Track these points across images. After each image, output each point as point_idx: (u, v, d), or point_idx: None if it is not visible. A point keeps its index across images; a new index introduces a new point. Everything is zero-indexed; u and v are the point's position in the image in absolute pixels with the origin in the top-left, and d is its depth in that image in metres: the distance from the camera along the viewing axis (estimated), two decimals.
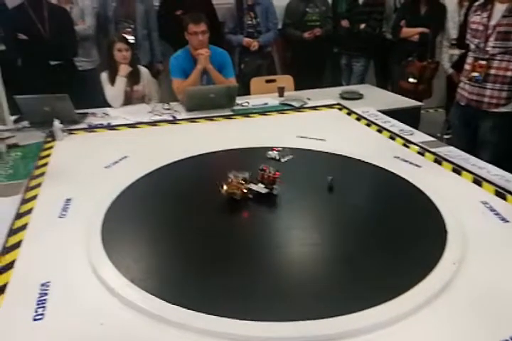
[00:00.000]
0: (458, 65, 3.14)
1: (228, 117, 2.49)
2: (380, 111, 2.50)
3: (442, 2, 3.53)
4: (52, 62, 3.07)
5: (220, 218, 1.41)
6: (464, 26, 2.76)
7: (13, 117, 2.32)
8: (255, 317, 0.95)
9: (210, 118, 2.46)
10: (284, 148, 1.87)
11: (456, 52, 3.40)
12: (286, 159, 1.81)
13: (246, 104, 2.68)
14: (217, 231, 1.33)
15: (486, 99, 2.30)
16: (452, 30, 3.43)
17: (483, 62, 2.27)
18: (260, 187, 1.47)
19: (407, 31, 3.50)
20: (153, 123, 2.39)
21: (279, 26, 3.84)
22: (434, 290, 1.04)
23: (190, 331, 0.93)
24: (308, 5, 3.78)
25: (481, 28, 2.27)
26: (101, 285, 1.07)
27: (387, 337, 0.93)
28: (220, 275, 1.12)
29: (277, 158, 1.81)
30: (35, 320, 0.97)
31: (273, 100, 2.78)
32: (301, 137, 2.08)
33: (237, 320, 0.94)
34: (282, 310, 0.98)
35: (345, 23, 3.74)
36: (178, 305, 0.98)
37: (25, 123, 2.36)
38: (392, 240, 1.28)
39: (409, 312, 0.98)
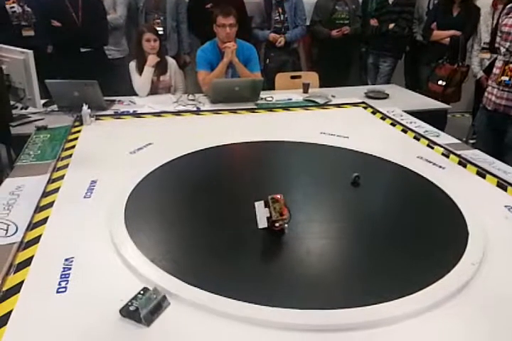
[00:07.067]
0: (489, 69, 3.09)
1: (252, 111, 2.50)
2: (406, 111, 2.47)
3: (476, 4, 3.46)
4: (83, 49, 3.14)
5: (240, 205, 1.42)
6: (496, 29, 2.71)
7: (43, 101, 2.38)
8: (271, 303, 0.96)
9: (234, 111, 2.48)
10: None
11: (487, 56, 3.34)
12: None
13: (270, 98, 2.69)
14: (237, 218, 1.35)
15: None
16: (484, 33, 3.37)
17: None
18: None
19: (438, 34, 3.46)
20: (178, 113, 2.42)
21: (307, 23, 3.83)
22: (452, 288, 1.04)
23: (206, 312, 0.95)
24: (337, 3, 3.76)
25: None
26: (122, 264, 1.10)
27: (402, 331, 0.93)
28: (238, 261, 1.14)
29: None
30: (58, 292, 1.01)
31: (297, 96, 2.78)
32: (325, 134, 2.08)
33: (254, 305, 0.95)
34: (297, 298, 0.99)
35: (374, 22, 3.71)
36: (195, 286, 1.00)
37: (54, 106, 2.42)
38: (413, 239, 1.27)
39: (424, 309, 0.97)
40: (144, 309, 0.92)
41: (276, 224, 1.20)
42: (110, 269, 1.09)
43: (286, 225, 1.22)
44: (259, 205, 1.20)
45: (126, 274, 1.06)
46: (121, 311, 0.93)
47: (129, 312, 0.93)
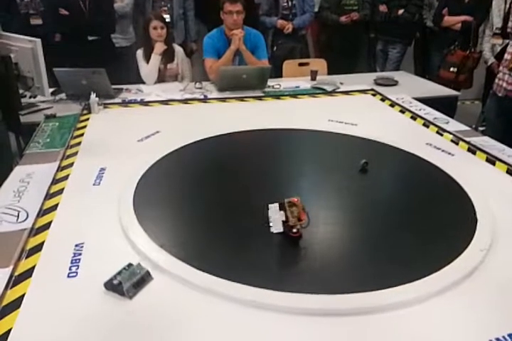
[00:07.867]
0: (500, 55, 3.03)
1: (259, 98, 2.49)
2: (415, 98, 2.44)
3: None
4: (90, 38, 3.14)
5: (248, 193, 1.42)
6: (509, 14, 2.65)
7: (51, 89, 2.39)
8: (275, 287, 0.97)
9: (241, 99, 2.47)
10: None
11: (499, 41, 3.26)
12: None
13: (277, 86, 2.67)
14: (245, 205, 1.35)
15: None
16: (497, 18, 3.29)
17: None
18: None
19: (450, 20, 3.39)
20: (185, 101, 2.42)
21: (316, 9, 3.77)
22: (460, 274, 1.04)
23: (213, 295, 0.96)
24: None
25: None
26: (131, 249, 1.12)
27: (409, 316, 0.93)
28: (245, 247, 1.14)
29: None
30: (69, 276, 1.03)
31: (305, 83, 2.76)
32: (333, 121, 2.07)
33: (258, 288, 0.97)
34: (304, 283, 1.00)
35: (383, 7, 3.65)
36: (203, 270, 1.02)
37: (63, 95, 2.43)
38: (422, 225, 1.27)
39: (432, 294, 0.98)
40: (127, 283, 0.95)
41: (294, 230, 1.12)
42: (120, 254, 1.10)
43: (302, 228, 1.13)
44: (273, 208, 1.12)
45: (135, 259, 1.07)
46: (105, 285, 0.96)
47: (112, 286, 0.96)
